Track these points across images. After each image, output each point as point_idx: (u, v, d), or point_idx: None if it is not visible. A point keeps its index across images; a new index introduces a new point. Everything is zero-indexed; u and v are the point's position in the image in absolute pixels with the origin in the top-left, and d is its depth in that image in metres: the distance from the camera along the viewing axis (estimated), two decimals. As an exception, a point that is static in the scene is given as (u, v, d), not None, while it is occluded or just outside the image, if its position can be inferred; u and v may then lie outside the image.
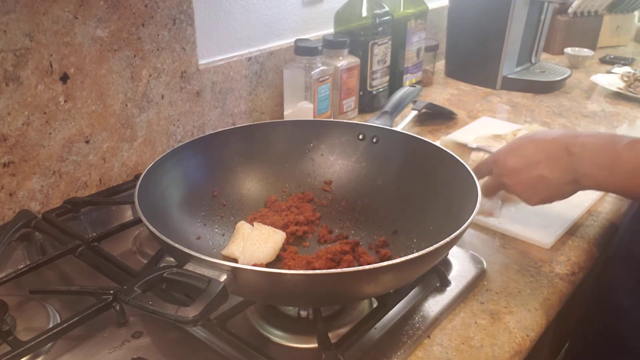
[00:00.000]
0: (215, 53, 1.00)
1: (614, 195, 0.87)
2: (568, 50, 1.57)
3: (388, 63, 1.19)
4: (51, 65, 0.73)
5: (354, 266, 0.65)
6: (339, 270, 0.47)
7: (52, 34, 0.72)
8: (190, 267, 0.48)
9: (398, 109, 0.91)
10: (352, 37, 1.09)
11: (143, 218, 0.54)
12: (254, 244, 0.65)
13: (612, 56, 1.63)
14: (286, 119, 1.06)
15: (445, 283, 0.65)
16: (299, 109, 1.04)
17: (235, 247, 0.66)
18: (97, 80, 0.79)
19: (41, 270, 0.68)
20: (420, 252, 0.49)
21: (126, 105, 0.84)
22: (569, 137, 0.65)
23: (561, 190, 0.66)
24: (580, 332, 0.85)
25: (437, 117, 1.18)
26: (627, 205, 0.85)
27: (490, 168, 0.72)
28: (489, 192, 0.74)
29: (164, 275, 0.48)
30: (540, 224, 0.78)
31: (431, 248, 0.50)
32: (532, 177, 0.66)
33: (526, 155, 0.67)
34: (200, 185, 0.73)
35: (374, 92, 1.19)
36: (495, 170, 0.71)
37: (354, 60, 1.10)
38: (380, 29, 1.13)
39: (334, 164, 0.79)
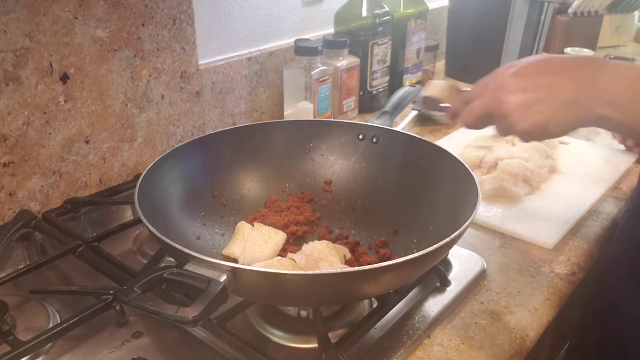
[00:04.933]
0: (215, 53, 1.00)
1: (614, 194, 0.88)
2: (568, 50, 1.57)
3: (388, 63, 1.19)
4: (51, 65, 0.73)
5: (354, 266, 0.65)
6: (339, 270, 0.48)
7: (52, 34, 0.72)
8: (190, 267, 0.48)
9: (398, 109, 0.91)
10: (352, 37, 1.09)
11: (143, 218, 0.54)
12: (254, 244, 0.65)
13: (612, 56, 1.63)
14: (286, 119, 1.05)
15: (445, 283, 0.65)
16: (299, 109, 1.04)
17: (235, 247, 0.66)
18: (97, 80, 0.79)
19: (41, 270, 0.68)
20: (420, 252, 0.49)
21: (126, 105, 0.84)
22: (597, 59, 0.56)
23: (564, 117, 0.54)
24: (579, 336, 0.85)
25: (437, 117, 1.17)
26: (626, 205, 0.85)
27: (481, 90, 0.60)
28: (473, 111, 0.60)
29: (164, 275, 0.48)
30: (542, 224, 0.78)
31: (431, 248, 0.50)
32: (537, 87, 0.55)
33: (538, 66, 0.56)
34: (200, 185, 0.73)
35: (374, 92, 1.19)
36: (491, 83, 0.59)
37: (354, 60, 1.10)
38: (380, 29, 1.13)
39: (334, 164, 0.79)
